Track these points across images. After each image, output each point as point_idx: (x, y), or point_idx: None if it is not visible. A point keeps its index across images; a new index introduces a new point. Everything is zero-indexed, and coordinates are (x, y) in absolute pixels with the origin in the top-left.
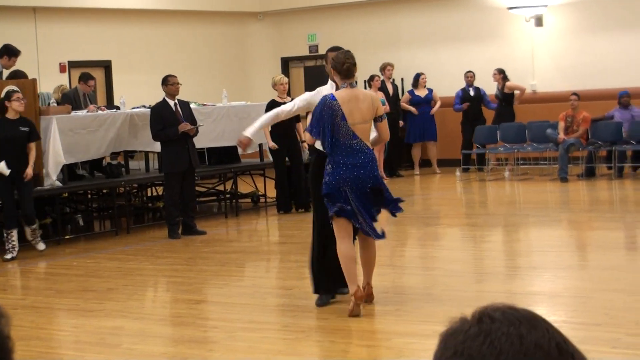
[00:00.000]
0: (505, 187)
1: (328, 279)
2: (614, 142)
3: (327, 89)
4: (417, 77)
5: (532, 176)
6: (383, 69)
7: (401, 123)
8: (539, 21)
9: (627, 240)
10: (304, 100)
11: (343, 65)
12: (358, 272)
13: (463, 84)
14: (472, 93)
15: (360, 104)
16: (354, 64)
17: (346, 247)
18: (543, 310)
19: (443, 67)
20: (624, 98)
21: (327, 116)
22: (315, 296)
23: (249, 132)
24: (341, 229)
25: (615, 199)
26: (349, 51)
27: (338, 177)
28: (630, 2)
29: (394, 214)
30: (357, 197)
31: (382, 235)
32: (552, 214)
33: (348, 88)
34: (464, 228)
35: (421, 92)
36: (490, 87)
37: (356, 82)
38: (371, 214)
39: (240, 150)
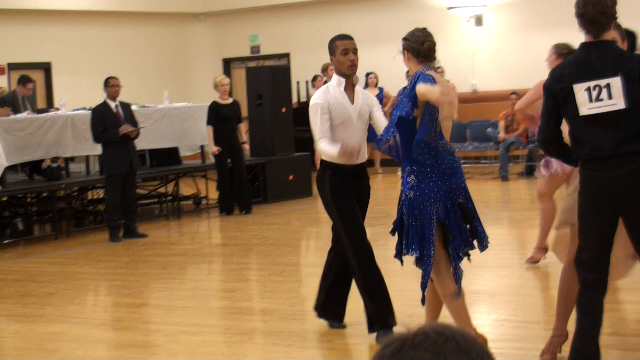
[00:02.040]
0: None
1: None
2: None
3: (334, 85)
4: (366, 76)
5: (473, 175)
6: (325, 69)
7: None
8: (478, 21)
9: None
10: (325, 110)
11: (423, 44)
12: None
13: (405, 84)
14: None
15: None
16: (435, 43)
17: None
18: (484, 308)
19: (385, 67)
20: None
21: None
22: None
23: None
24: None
25: (555, 197)
26: (425, 28)
27: (429, 191)
28: (568, 2)
29: (482, 249)
30: (450, 218)
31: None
32: (493, 213)
33: (433, 72)
34: None
35: (372, 92)
36: None
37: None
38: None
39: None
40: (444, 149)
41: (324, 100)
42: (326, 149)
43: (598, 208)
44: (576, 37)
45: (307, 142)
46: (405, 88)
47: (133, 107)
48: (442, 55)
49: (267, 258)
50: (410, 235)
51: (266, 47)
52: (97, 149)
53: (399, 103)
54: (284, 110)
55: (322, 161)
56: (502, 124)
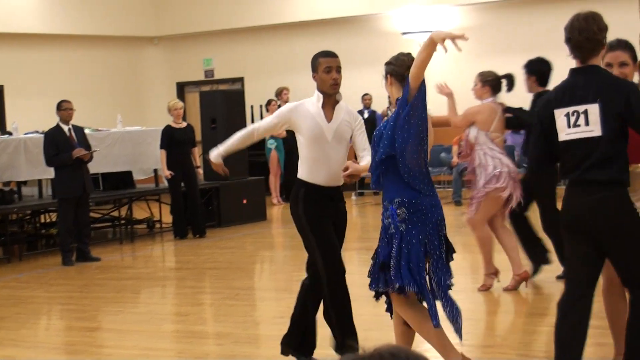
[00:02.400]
0: None
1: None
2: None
3: (313, 101)
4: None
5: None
6: (279, 93)
7: None
8: None
9: None
10: (282, 116)
11: (408, 69)
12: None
13: (360, 107)
14: (365, 116)
15: (429, 124)
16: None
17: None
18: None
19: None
20: None
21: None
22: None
23: (213, 155)
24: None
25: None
26: (410, 53)
27: (422, 225)
28: (515, 30)
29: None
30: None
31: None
32: None
33: None
34: (360, 252)
35: None
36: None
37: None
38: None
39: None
40: (429, 179)
41: (289, 110)
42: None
43: (572, 232)
44: (517, 61)
45: (261, 166)
46: (358, 112)
47: (86, 131)
48: None
49: (220, 282)
50: (402, 270)
51: (220, 71)
52: (50, 173)
53: (384, 137)
54: None
55: (298, 179)
56: (455, 149)
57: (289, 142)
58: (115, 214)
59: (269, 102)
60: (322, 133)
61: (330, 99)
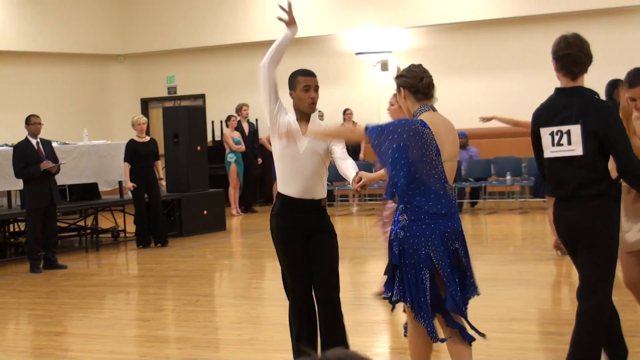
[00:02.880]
0: (353, 221)
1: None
2: (454, 180)
3: (291, 115)
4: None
5: (378, 211)
6: (239, 109)
7: (259, 160)
8: (384, 66)
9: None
10: (278, 100)
11: (422, 80)
12: None
13: None
14: None
15: (453, 134)
16: (432, 81)
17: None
18: (388, 337)
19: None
20: (461, 139)
21: (412, 147)
22: None
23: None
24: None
25: None
26: (421, 65)
27: (420, 234)
28: (466, 50)
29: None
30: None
31: (477, 334)
32: None
33: (430, 112)
34: (351, 260)
35: None
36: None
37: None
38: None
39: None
40: (444, 191)
41: (281, 105)
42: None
43: (567, 244)
44: (473, 83)
45: (220, 179)
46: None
47: (54, 144)
48: (350, 97)
49: (182, 289)
50: (405, 279)
51: (182, 88)
52: (19, 184)
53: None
54: (199, 148)
55: (278, 193)
56: None
57: (247, 157)
58: (82, 223)
59: (228, 118)
60: (295, 148)
61: (304, 117)
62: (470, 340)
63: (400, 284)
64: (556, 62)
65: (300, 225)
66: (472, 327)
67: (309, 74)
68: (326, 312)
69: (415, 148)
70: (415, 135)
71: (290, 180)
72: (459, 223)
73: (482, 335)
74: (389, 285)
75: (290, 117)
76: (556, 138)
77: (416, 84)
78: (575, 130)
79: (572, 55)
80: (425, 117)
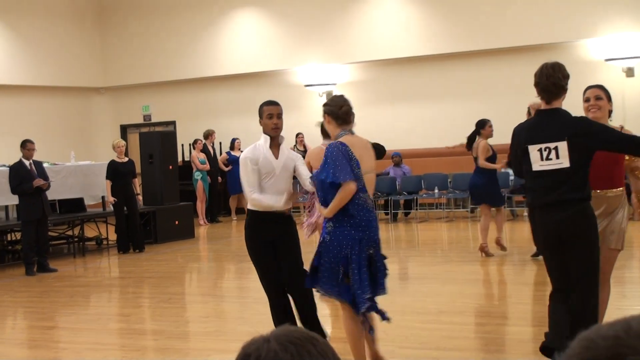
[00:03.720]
0: (300, 231)
1: None
2: (389, 194)
3: (262, 143)
4: (233, 141)
5: (305, 217)
6: (209, 135)
7: (220, 179)
8: (329, 96)
9: (400, 272)
10: (249, 168)
11: (341, 109)
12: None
13: None
14: None
15: (368, 151)
16: (352, 108)
17: (352, 324)
18: (334, 328)
19: (252, 133)
20: (395, 158)
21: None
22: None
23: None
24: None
25: (391, 238)
26: (343, 95)
27: (342, 238)
28: (397, 82)
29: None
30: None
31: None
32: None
33: (349, 135)
34: None
35: (237, 153)
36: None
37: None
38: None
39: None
40: (363, 202)
41: (253, 154)
42: (259, 199)
43: (551, 246)
44: (406, 110)
45: (189, 194)
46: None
47: (45, 165)
48: (299, 123)
49: (157, 288)
50: (326, 274)
51: (156, 115)
52: (15, 199)
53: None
54: (170, 167)
55: (247, 209)
56: None
57: (212, 174)
58: (70, 232)
59: (195, 141)
60: (272, 168)
61: (275, 140)
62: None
63: (323, 281)
64: (535, 88)
65: (269, 233)
66: (380, 312)
67: (272, 103)
68: (301, 305)
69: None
70: (343, 154)
71: (264, 195)
72: (375, 232)
73: (387, 319)
74: (312, 280)
75: (260, 149)
76: (544, 153)
77: (337, 111)
78: (563, 145)
79: (541, 84)
80: (344, 139)
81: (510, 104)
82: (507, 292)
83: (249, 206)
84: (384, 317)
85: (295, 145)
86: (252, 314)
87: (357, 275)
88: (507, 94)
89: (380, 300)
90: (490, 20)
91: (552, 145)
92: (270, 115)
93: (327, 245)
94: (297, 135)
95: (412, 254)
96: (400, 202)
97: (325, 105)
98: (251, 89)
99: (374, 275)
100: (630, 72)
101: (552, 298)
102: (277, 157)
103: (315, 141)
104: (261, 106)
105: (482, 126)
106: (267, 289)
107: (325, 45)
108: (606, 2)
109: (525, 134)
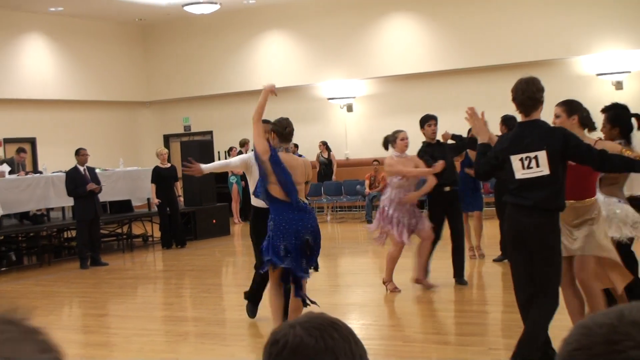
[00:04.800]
0: (327, 227)
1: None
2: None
3: (251, 154)
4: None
5: (346, 219)
6: (245, 144)
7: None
8: (349, 108)
9: (414, 265)
10: (241, 159)
11: (285, 129)
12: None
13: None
14: None
15: (298, 166)
16: (293, 129)
17: (275, 295)
18: (356, 315)
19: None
20: None
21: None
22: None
23: (204, 167)
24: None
25: None
26: (287, 118)
27: (282, 229)
28: (410, 96)
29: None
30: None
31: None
32: (360, 247)
33: (284, 152)
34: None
35: None
36: (313, 155)
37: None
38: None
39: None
40: (296, 204)
41: (250, 157)
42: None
43: (516, 245)
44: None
45: (225, 196)
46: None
47: (97, 170)
48: (323, 132)
49: (197, 280)
50: (267, 252)
51: (195, 126)
52: (70, 201)
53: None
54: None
55: (252, 206)
56: (367, 182)
57: (245, 178)
58: (119, 230)
59: (230, 149)
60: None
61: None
62: (303, 299)
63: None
64: (513, 103)
65: (266, 225)
66: (307, 297)
67: (263, 122)
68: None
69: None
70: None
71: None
72: (311, 222)
73: (314, 302)
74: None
75: (249, 154)
76: (526, 162)
77: (282, 131)
78: (542, 155)
79: (517, 99)
80: (281, 155)
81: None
82: None
83: (253, 203)
84: (305, 302)
85: (320, 153)
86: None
87: (295, 258)
88: (507, 106)
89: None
90: (496, 38)
91: (532, 154)
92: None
93: (272, 238)
94: (325, 143)
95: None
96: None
97: (273, 124)
98: (280, 102)
99: (311, 257)
100: (619, 86)
101: (522, 308)
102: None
103: (337, 148)
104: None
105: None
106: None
107: (345, 63)
108: (597, 23)
109: (507, 145)
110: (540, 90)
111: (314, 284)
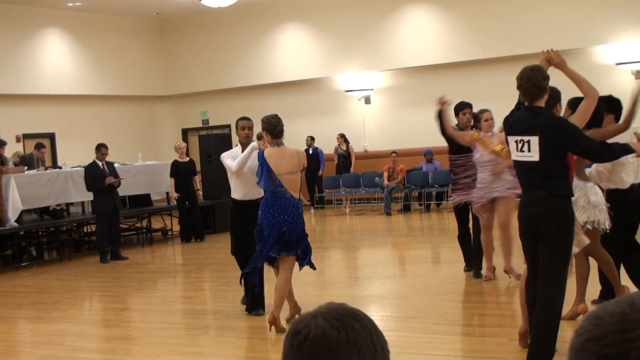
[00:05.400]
0: (347, 220)
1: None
2: (423, 186)
3: (237, 150)
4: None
5: (365, 211)
6: (261, 137)
7: None
8: (367, 100)
9: (433, 256)
10: (231, 156)
11: (275, 128)
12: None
13: (313, 145)
14: (310, 152)
15: (285, 159)
16: (283, 127)
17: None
18: (375, 307)
19: (297, 135)
20: (428, 155)
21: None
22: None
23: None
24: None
25: (424, 226)
26: (277, 115)
27: (265, 219)
28: (428, 87)
29: (300, 267)
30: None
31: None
32: (380, 239)
33: (275, 147)
34: (316, 250)
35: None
36: (331, 147)
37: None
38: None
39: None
40: (282, 195)
41: (230, 153)
42: (235, 162)
43: (527, 234)
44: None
45: None
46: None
47: (115, 165)
48: (342, 124)
49: (216, 273)
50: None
51: (213, 120)
52: (90, 196)
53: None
54: None
55: (231, 197)
56: (385, 174)
57: None
58: (138, 225)
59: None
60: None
61: (245, 146)
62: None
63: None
64: (518, 90)
65: (241, 217)
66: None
67: (245, 119)
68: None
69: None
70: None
71: (237, 189)
72: (290, 215)
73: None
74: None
75: (234, 152)
76: (519, 145)
77: (272, 129)
78: (534, 140)
79: (522, 87)
80: (267, 150)
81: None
82: None
83: (232, 195)
84: (256, 288)
85: (338, 145)
86: (301, 295)
87: (268, 246)
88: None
89: (417, 283)
90: (513, 28)
91: (525, 138)
92: (243, 128)
93: (260, 225)
94: (343, 136)
95: (444, 241)
96: (432, 194)
97: (264, 122)
98: (297, 94)
99: (285, 246)
100: (639, 75)
101: (528, 286)
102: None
103: (355, 141)
104: (237, 121)
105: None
106: (234, 251)
107: (363, 55)
108: (616, 12)
109: (508, 126)
110: (546, 78)
111: (333, 276)
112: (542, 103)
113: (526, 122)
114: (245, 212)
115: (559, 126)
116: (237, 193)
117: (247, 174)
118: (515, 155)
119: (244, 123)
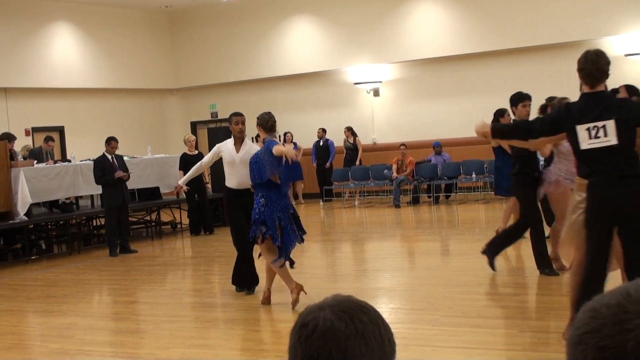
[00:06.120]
0: (355, 212)
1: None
2: (432, 178)
3: (230, 141)
4: (285, 134)
5: (374, 204)
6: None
7: None
8: (376, 92)
9: (442, 249)
10: (213, 152)
11: (268, 123)
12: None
13: (324, 137)
14: (321, 144)
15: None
16: (275, 122)
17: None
18: (384, 300)
19: (308, 127)
20: (436, 148)
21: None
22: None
23: (181, 181)
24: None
25: (433, 219)
26: (270, 112)
27: (272, 206)
28: (436, 79)
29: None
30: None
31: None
32: (388, 231)
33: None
34: (325, 242)
35: (288, 146)
36: (341, 139)
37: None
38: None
39: (172, 190)
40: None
41: (223, 146)
42: (202, 163)
43: (599, 220)
44: (443, 104)
45: None
46: (316, 142)
47: (125, 158)
48: (350, 116)
49: (225, 266)
50: (256, 226)
51: (222, 112)
52: (99, 189)
53: (264, 162)
54: None
55: (225, 186)
56: (394, 166)
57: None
58: (148, 218)
59: (257, 135)
60: (233, 159)
61: (239, 139)
62: (291, 263)
63: (254, 229)
64: (578, 73)
65: (238, 203)
66: (291, 260)
67: (238, 114)
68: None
69: (267, 162)
70: (267, 155)
71: (231, 178)
72: (288, 202)
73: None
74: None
75: (227, 145)
76: (593, 132)
77: (266, 124)
78: (610, 124)
79: (585, 70)
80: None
81: (535, 98)
82: None
83: (227, 184)
84: (292, 264)
85: (346, 138)
86: (310, 287)
87: (289, 228)
88: (533, 89)
89: (426, 275)
90: (522, 20)
91: (600, 124)
92: (237, 122)
93: (264, 212)
94: (351, 129)
95: (453, 233)
96: (441, 186)
97: (258, 118)
98: (307, 87)
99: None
100: None
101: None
102: (237, 152)
103: (364, 133)
104: (230, 116)
105: (502, 115)
106: (238, 242)
107: (372, 48)
108: (625, 3)
109: (572, 116)
110: (609, 63)
111: (342, 269)
112: (602, 87)
113: (596, 109)
114: (241, 198)
115: (630, 104)
116: (231, 182)
117: (239, 165)
118: (587, 144)
119: (238, 118)
